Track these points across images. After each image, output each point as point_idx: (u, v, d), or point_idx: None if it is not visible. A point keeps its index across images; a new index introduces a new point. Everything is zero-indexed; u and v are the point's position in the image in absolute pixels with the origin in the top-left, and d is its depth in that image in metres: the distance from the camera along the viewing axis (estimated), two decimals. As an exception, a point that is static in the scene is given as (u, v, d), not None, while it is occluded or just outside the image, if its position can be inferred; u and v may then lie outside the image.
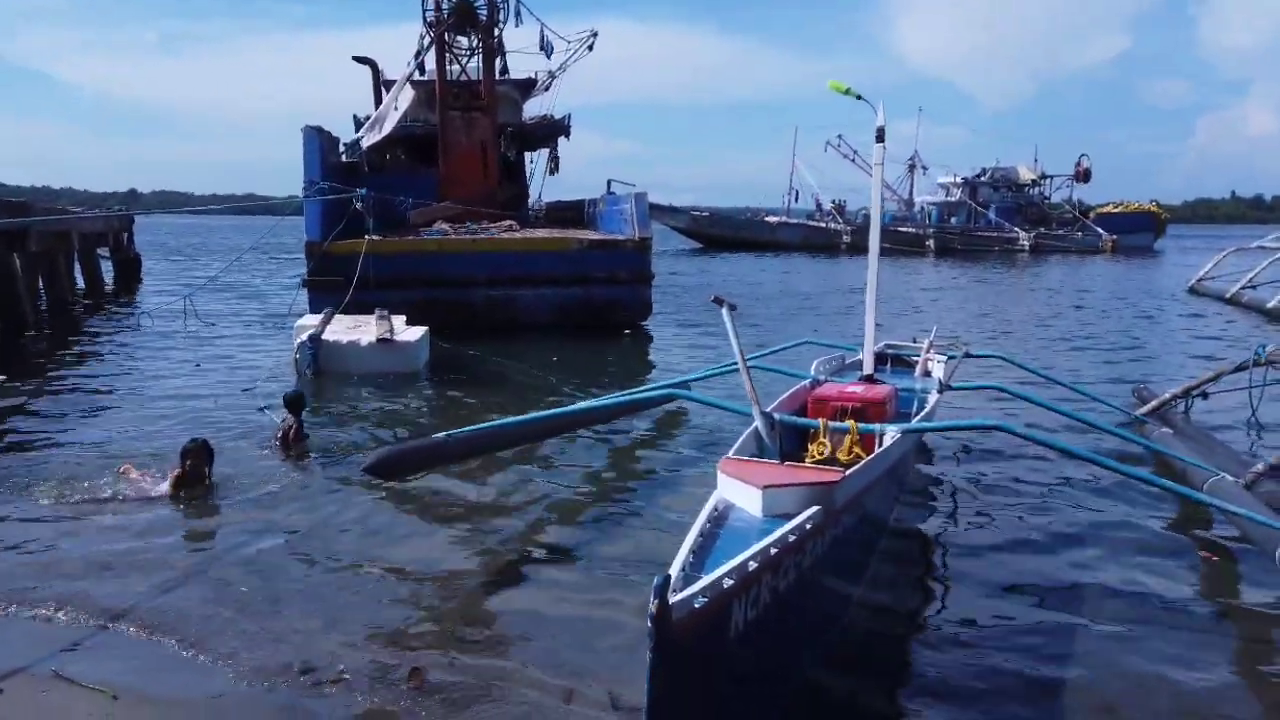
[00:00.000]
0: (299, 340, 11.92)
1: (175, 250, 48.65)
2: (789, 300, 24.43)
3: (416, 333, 12.51)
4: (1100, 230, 57.91)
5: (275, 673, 4.21)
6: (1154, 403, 9.13)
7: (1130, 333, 18.62)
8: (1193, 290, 28.24)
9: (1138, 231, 60.22)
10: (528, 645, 4.52)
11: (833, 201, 58.98)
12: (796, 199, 63.62)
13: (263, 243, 20.76)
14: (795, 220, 59.62)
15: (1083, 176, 61.86)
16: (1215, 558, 5.80)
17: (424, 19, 20.43)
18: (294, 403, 8.26)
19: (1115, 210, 62.53)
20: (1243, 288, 24.90)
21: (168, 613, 4.81)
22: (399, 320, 12.72)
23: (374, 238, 15.47)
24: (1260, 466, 6.36)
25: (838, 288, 28.01)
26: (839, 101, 7.06)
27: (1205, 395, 9.12)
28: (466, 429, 6.53)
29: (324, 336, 11.90)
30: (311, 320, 13.04)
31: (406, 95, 19.84)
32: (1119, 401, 9.81)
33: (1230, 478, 6.15)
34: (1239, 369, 8.98)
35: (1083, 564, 5.70)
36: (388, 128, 19.49)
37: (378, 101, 21.72)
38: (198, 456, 6.81)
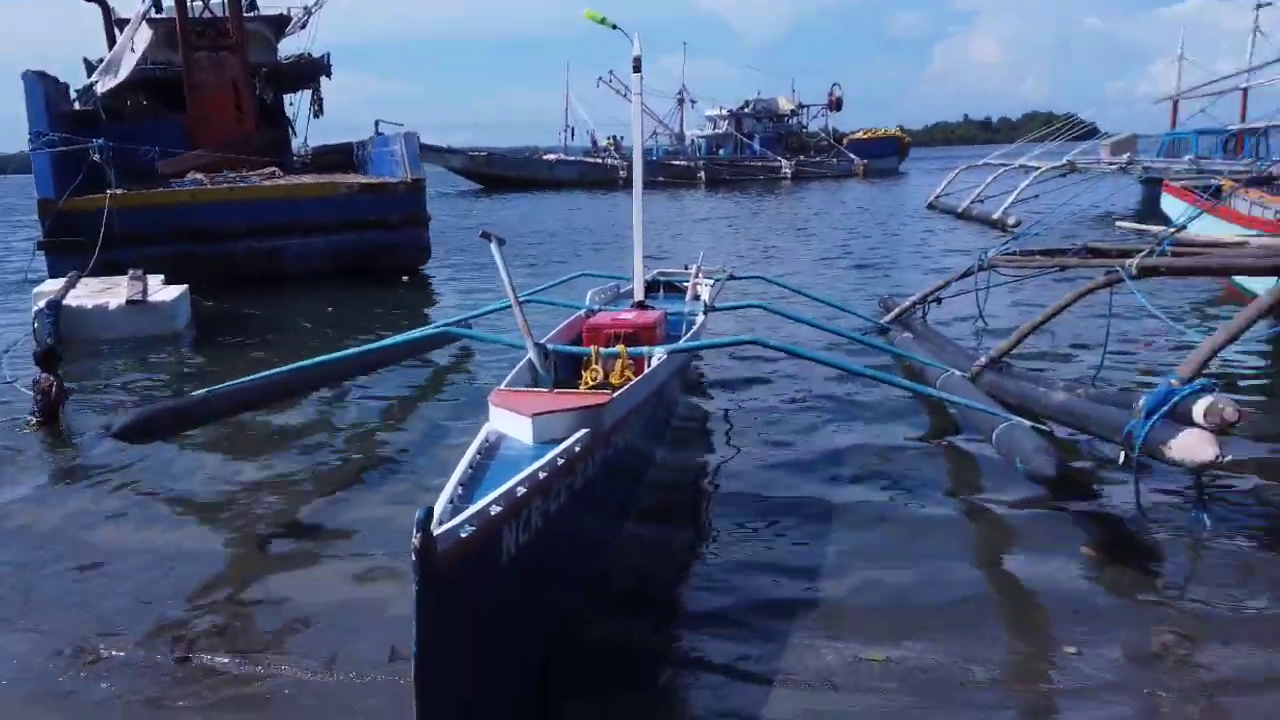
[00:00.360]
0: (36, 309, 10.87)
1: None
2: (569, 236, 24.75)
3: (174, 291, 11.76)
4: (853, 156, 61.84)
5: (32, 661, 4.00)
6: (896, 311, 10.07)
7: (879, 249, 20.31)
8: (931, 206, 31.05)
9: (885, 156, 64.77)
10: (300, 613, 4.33)
11: (609, 138, 59.56)
12: (573, 136, 64.07)
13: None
14: (573, 157, 59.89)
15: (835, 105, 65.64)
16: (950, 445, 6.54)
17: (155, -50, 18.80)
18: (47, 358, 7.61)
19: (865, 137, 66.84)
20: (972, 202, 27.67)
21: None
22: (155, 280, 11.99)
23: (117, 191, 14.37)
24: (982, 360, 7.14)
25: (615, 221, 28.56)
26: (611, 36, 7.09)
27: (939, 300, 10.17)
28: (229, 384, 6.22)
29: (66, 301, 10.94)
30: (53, 286, 11.97)
31: (144, 35, 18.25)
32: (868, 311, 10.81)
33: (958, 373, 6.91)
34: (966, 274, 9.92)
35: (839, 466, 6.20)
36: (125, 71, 17.88)
37: (111, 42, 19.81)
38: None
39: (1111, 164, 28.05)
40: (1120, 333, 8.98)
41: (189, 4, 18.89)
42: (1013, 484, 5.45)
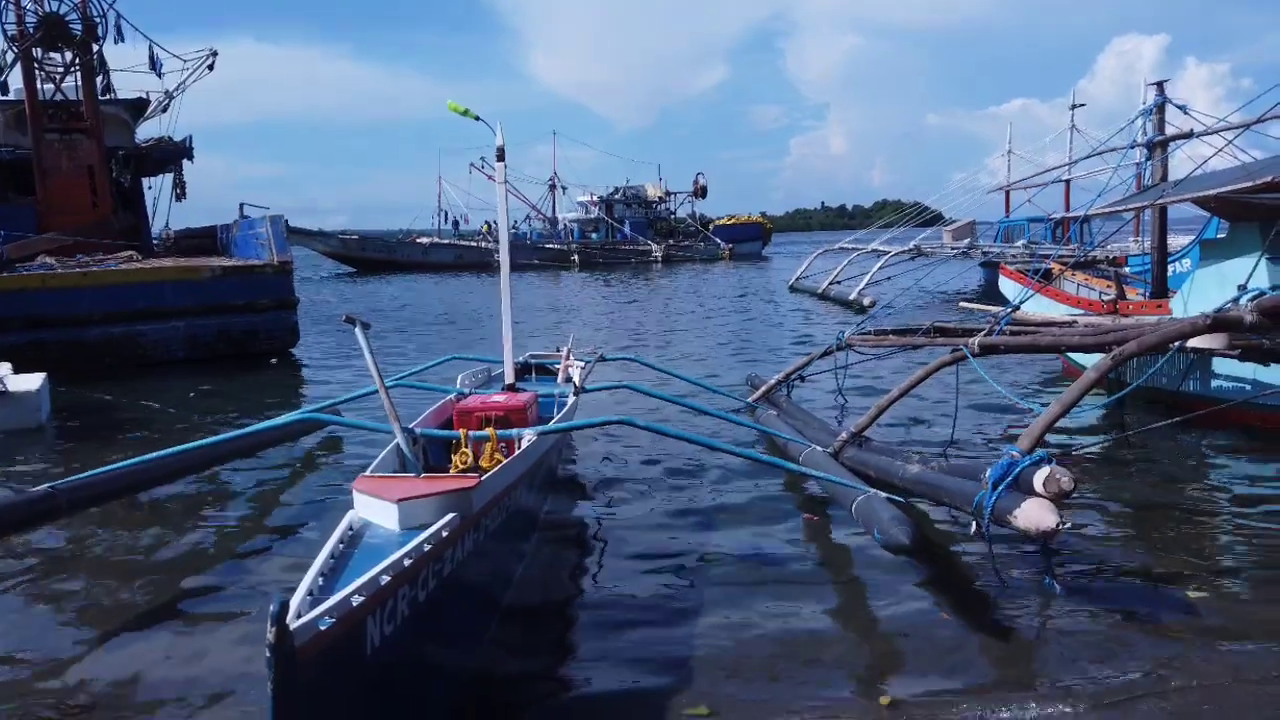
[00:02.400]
0: None
1: None
2: (442, 319, 24.61)
3: (34, 380, 10.92)
4: (719, 240, 63.95)
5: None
6: (762, 389, 10.44)
7: (745, 327, 21.03)
8: (792, 288, 32.48)
9: (749, 240, 67.21)
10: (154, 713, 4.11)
11: (485, 223, 59.86)
12: (446, 219, 63.97)
13: None
14: (446, 240, 59.84)
15: (700, 193, 67.87)
16: (815, 517, 6.82)
17: (2, 33, 18.18)
18: None
19: (730, 222, 69.23)
20: (830, 283, 29.11)
21: None
22: (4, 367, 11.31)
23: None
24: (844, 435, 7.47)
25: (489, 304, 28.58)
26: (482, 125, 7.23)
27: (803, 378, 10.65)
28: (76, 477, 5.74)
29: None
30: None
31: (-10, 116, 17.60)
32: (737, 389, 11.15)
33: (819, 449, 7.21)
34: (826, 353, 10.49)
35: (707, 537, 6.44)
36: (-31, 152, 17.16)
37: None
38: None
39: (954, 249, 30.02)
40: (969, 405, 9.54)
41: (40, 86, 18.29)
42: (873, 553, 5.70)
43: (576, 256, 56.80)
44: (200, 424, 10.48)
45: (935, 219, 33.98)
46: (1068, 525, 4.71)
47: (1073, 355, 10.98)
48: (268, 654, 2.44)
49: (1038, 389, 11.56)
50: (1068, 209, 30.08)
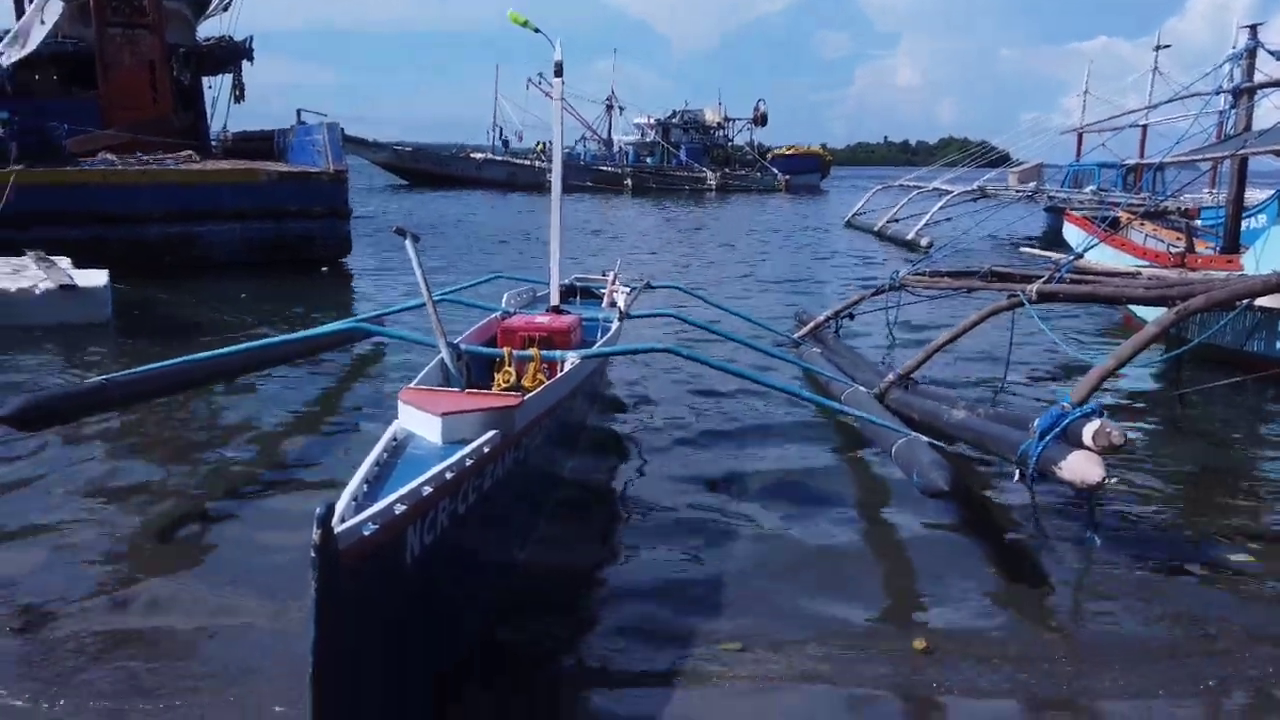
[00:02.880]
0: None
1: None
2: (491, 236, 24.62)
3: (100, 276, 10.95)
4: (776, 171, 62.78)
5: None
6: (810, 325, 10.32)
7: (797, 262, 20.74)
8: (848, 224, 31.80)
9: (808, 172, 65.92)
10: (195, 633, 4.13)
11: (538, 143, 59.33)
12: (501, 135, 63.52)
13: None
14: (500, 157, 59.46)
15: (760, 120, 66.52)
16: (856, 455, 6.77)
17: (68, -78, 18.11)
18: None
19: (788, 153, 67.90)
20: (888, 221, 28.45)
21: None
22: (62, 261, 11.53)
23: (20, 167, 13.81)
24: (891, 376, 7.36)
25: (538, 224, 28.50)
26: (540, 39, 7.01)
27: (852, 316, 10.48)
28: (127, 372, 5.91)
29: None
30: None
31: (55, 8, 17.56)
32: (784, 325, 11.04)
33: (862, 389, 7.13)
34: (878, 292, 10.29)
35: (746, 476, 6.35)
36: (33, 43, 17.21)
37: (19, 13, 19.03)
38: None
39: (1019, 191, 29.13)
40: (1022, 354, 9.36)
41: (104, -23, 18.27)
42: (912, 498, 5.65)
43: (630, 180, 56.16)
44: (253, 327, 10.63)
45: (1002, 160, 32.96)
46: (1114, 480, 4.63)
47: (1134, 308, 10.68)
48: (312, 555, 2.48)
49: (1095, 341, 11.28)
50: (1142, 155, 29.02)
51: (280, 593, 4.36)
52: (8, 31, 18.09)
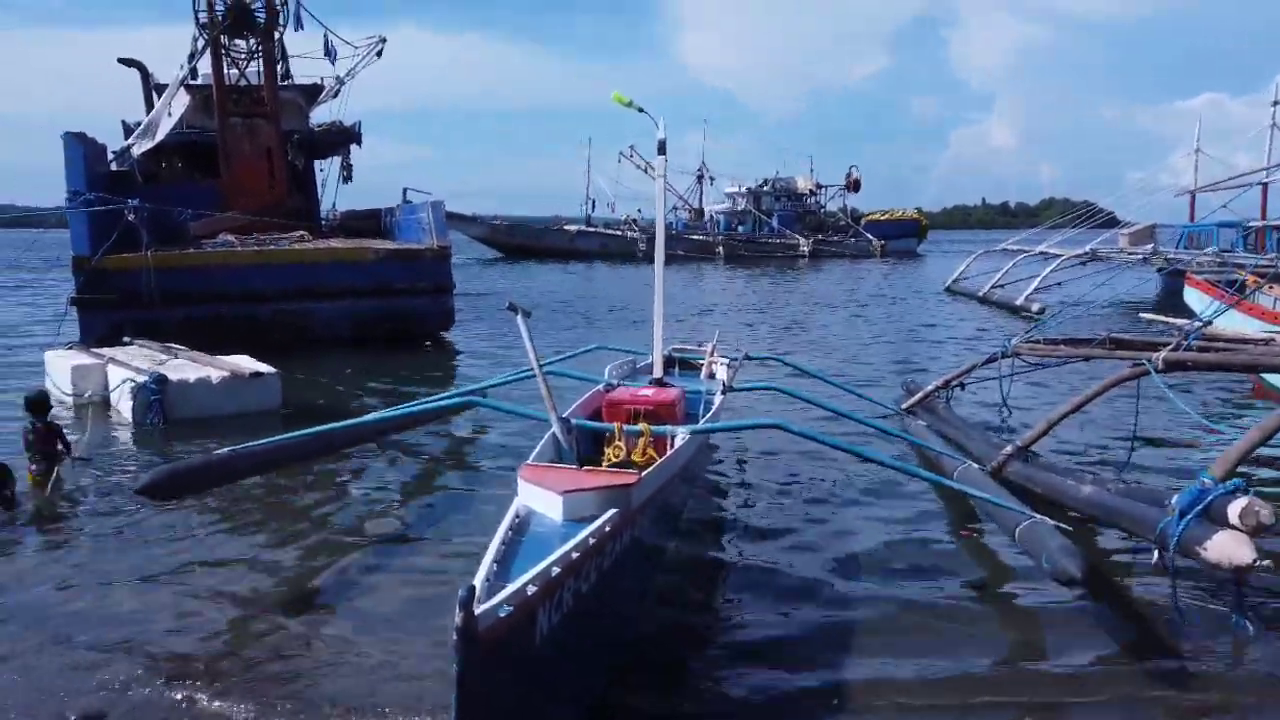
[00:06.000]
0: (132, 384, 9.86)
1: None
2: (586, 307, 24.93)
3: (266, 366, 10.83)
4: (870, 236, 62.34)
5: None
6: (918, 395, 10.00)
7: (898, 329, 20.33)
8: (949, 289, 31.11)
9: (903, 237, 65.29)
10: (329, 670, 4.43)
11: (627, 215, 60.50)
12: (594, 207, 64.84)
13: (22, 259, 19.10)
14: (593, 229, 60.65)
15: (853, 186, 66.41)
16: (972, 533, 6.46)
17: (196, 20, 19.37)
18: (37, 404, 7.39)
19: (883, 217, 67.43)
20: (993, 286, 27.72)
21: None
22: (243, 358, 11.29)
23: (152, 251, 14.61)
24: (1009, 449, 7.07)
25: (633, 294, 28.78)
26: (628, 111, 7.20)
27: (963, 386, 10.13)
28: (252, 444, 6.24)
29: (168, 375, 9.95)
30: (63, 355, 11.73)
31: (181, 100, 18.79)
32: (887, 394, 10.75)
33: (975, 465, 6.86)
34: (990, 361, 9.87)
35: (855, 552, 6.17)
36: (161, 134, 18.39)
37: (149, 106, 20.42)
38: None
39: (1132, 253, 28.09)
40: (1146, 425, 8.88)
41: (225, 72, 19.43)
42: (1037, 580, 5.35)
43: (721, 249, 56.51)
44: (364, 400, 10.91)
45: (1109, 221, 31.96)
46: (1264, 561, 4.31)
47: (1268, 377, 10.07)
48: (454, 636, 2.64)
49: (1225, 411, 10.66)
50: (1264, 215, 27.76)
51: (397, 633, 4.75)
52: (139, 123, 19.34)
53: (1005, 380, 9.75)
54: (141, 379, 9.88)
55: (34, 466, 7.20)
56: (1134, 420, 7.34)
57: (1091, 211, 32.48)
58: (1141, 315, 14.51)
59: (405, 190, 20.18)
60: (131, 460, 8.50)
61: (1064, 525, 5.15)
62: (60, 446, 7.34)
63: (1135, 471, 7.46)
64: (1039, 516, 5.17)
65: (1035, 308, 22.72)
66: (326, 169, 23.66)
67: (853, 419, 7.80)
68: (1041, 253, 30.39)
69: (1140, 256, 27.48)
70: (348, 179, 23.62)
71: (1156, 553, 4.77)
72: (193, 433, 9.25)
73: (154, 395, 9.61)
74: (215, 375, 10.31)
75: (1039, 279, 25.68)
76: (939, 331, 20.35)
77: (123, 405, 10.05)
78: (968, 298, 28.72)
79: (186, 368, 10.64)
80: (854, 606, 5.22)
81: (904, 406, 9.87)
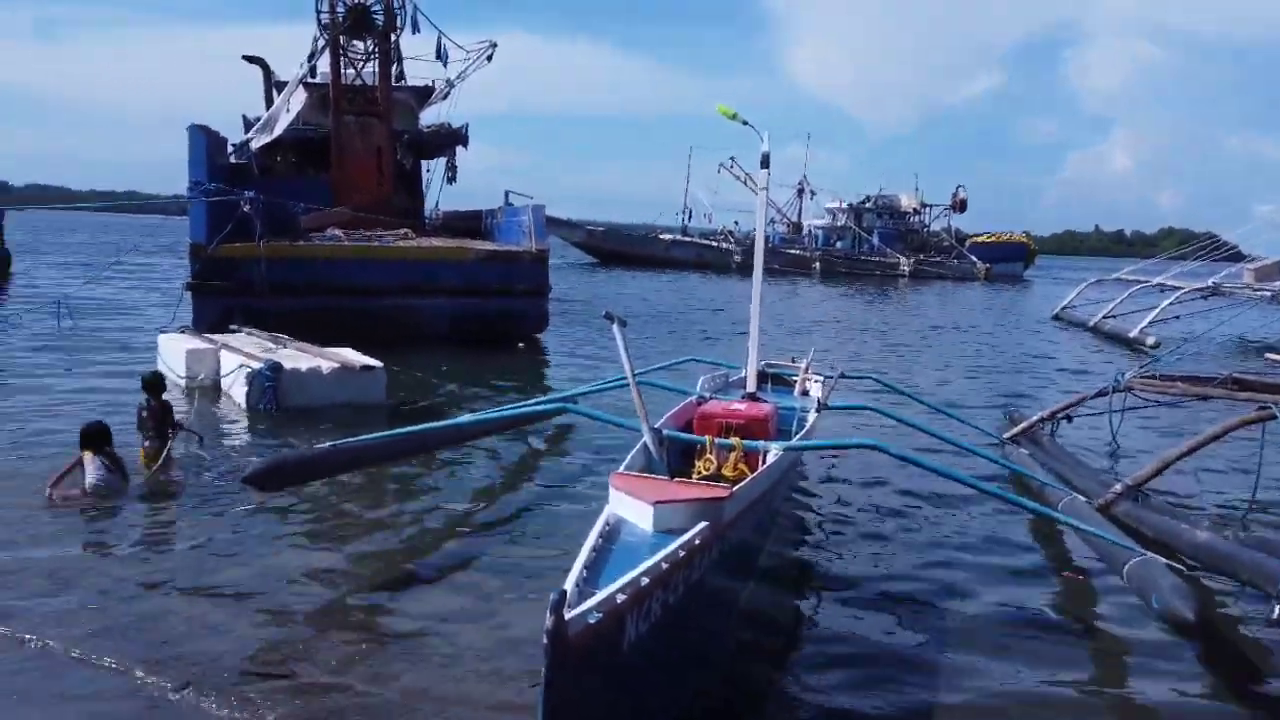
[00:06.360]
0: (246, 371, 10.21)
1: (49, 246, 45.96)
2: (679, 317, 24.85)
3: (371, 359, 10.92)
4: (975, 258, 60.68)
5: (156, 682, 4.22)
6: (1022, 425, 9.64)
7: (1001, 356, 19.67)
8: (1056, 317, 29.96)
9: (1009, 261, 63.38)
10: (419, 664, 4.52)
11: (724, 227, 60.33)
12: (690, 216, 64.76)
13: (142, 243, 20.01)
14: (689, 238, 60.61)
15: (959, 206, 64.73)
16: (1079, 577, 6.14)
17: (318, 21, 20.03)
18: (153, 384, 7.66)
19: (989, 240, 65.62)
20: (1104, 316, 26.57)
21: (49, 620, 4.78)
22: (347, 350, 11.47)
23: (264, 242, 15.14)
24: (1119, 487, 6.79)
25: (726, 306, 28.60)
26: (728, 122, 7.21)
27: (1070, 418, 9.73)
28: (352, 440, 6.44)
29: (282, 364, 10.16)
30: (177, 339, 12.26)
31: (299, 97, 19.45)
32: (987, 420, 10.38)
33: (1082, 498, 6.55)
34: (1100, 394, 9.49)
35: (950, 581, 5.95)
36: (279, 130, 19.07)
37: (268, 102, 21.20)
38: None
39: (1260, 290, 26.57)
40: (1270, 475, 8.34)
41: (343, 71, 20.04)
42: (1143, 623, 5.10)
43: (818, 264, 55.77)
44: (460, 399, 11.02)
45: (1233, 255, 30.36)
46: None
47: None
48: (545, 640, 2.67)
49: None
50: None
51: (484, 632, 4.89)
52: (258, 118, 20.08)
53: (1115, 415, 9.32)
54: (257, 365, 10.20)
55: (146, 443, 7.50)
56: (1257, 467, 6.90)
57: (1215, 243, 30.92)
58: (1267, 356, 13.73)
59: (507, 193, 20.49)
60: (242, 444, 8.83)
61: (1177, 565, 4.85)
62: (172, 426, 7.59)
63: (1257, 523, 7.02)
64: (1150, 554, 4.90)
65: (1150, 341, 21.63)
66: (432, 169, 24.22)
67: (952, 443, 7.51)
68: (1159, 284, 29.01)
69: (1268, 294, 25.99)
70: (452, 180, 24.10)
71: (1278, 608, 4.47)
72: (302, 420, 9.55)
73: (269, 382, 9.91)
74: (326, 366, 10.58)
75: (1155, 311, 24.39)
76: (1043, 361, 19.60)
77: (235, 390, 10.40)
78: (1077, 327, 27.59)
79: (298, 357, 10.92)
80: (944, 655, 4.96)
81: (1006, 436, 9.52)
